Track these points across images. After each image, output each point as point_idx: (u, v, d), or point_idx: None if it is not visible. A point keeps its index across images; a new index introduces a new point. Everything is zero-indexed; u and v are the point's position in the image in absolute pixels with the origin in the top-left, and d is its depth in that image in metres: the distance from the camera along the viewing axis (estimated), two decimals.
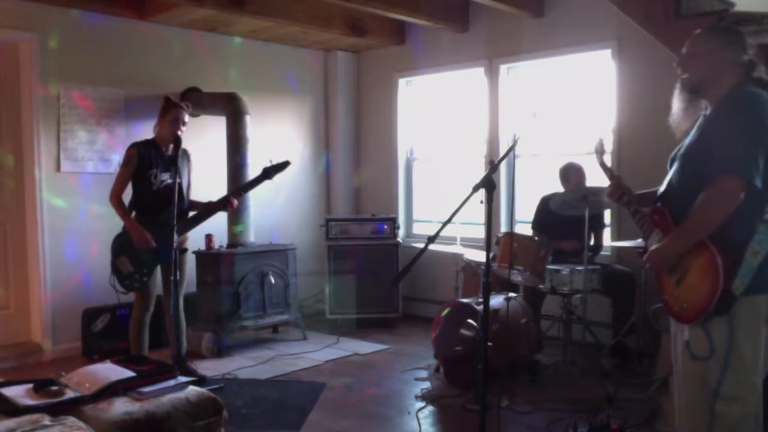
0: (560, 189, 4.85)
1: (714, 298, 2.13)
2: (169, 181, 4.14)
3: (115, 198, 4.06)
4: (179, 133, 4.13)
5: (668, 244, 2.30)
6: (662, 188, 2.44)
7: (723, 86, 2.27)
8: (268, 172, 4.23)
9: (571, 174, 4.79)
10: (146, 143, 4.20)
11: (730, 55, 2.28)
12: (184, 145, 4.20)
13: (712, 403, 2.20)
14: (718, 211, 2.15)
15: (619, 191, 2.61)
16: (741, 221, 2.15)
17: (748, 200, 2.13)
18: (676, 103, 2.39)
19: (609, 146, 2.71)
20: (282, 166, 4.25)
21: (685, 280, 2.25)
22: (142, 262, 4.06)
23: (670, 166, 2.42)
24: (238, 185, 4.91)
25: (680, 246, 2.25)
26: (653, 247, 2.37)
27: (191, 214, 4.28)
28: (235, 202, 4.30)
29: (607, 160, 2.82)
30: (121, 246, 4.09)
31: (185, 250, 4.27)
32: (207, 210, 4.24)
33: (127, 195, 4.18)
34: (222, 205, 4.25)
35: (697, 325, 2.21)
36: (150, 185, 4.12)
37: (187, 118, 4.22)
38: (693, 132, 2.33)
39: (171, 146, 4.19)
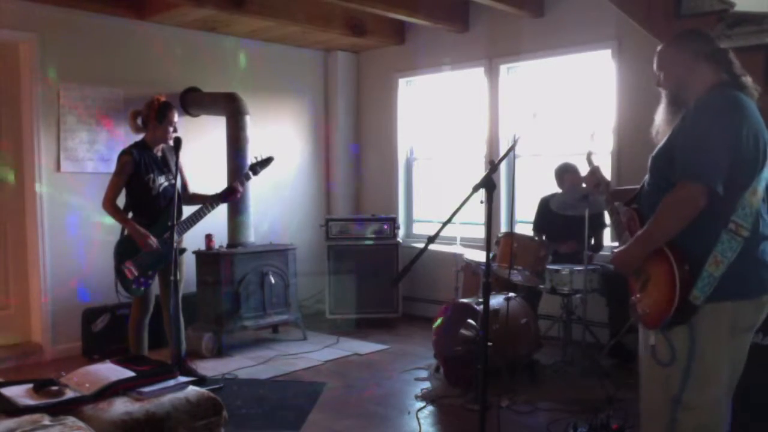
0: (558, 189, 4.87)
1: (671, 308, 2.10)
2: (166, 183, 4.14)
3: (110, 204, 4.03)
4: (177, 134, 4.12)
5: (629, 248, 2.29)
6: (639, 189, 2.44)
7: (697, 88, 2.26)
8: (254, 168, 4.34)
9: (565, 175, 4.81)
10: (138, 147, 4.14)
11: (691, 55, 2.27)
12: (185, 146, 4.17)
13: (673, 410, 2.18)
14: (678, 218, 2.12)
15: (594, 179, 2.64)
16: (703, 230, 2.11)
17: (711, 209, 2.09)
18: (660, 116, 2.38)
19: (599, 143, 2.72)
20: (266, 161, 4.36)
21: (647, 286, 2.24)
22: (146, 265, 4.06)
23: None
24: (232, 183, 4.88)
25: (640, 251, 2.24)
26: (617, 250, 2.37)
27: (189, 213, 4.26)
28: (240, 190, 4.31)
29: (596, 157, 2.83)
30: (125, 251, 4.06)
31: (184, 250, 4.27)
32: (210, 202, 4.22)
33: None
34: (223, 197, 4.26)
35: (659, 331, 2.20)
36: (149, 191, 4.10)
37: (176, 117, 4.23)
38: (666, 136, 2.32)
39: (161, 147, 4.19)
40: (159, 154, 4.20)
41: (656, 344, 2.21)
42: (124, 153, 4.11)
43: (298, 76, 6.58)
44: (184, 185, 4.32)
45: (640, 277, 2.29)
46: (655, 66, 2.40)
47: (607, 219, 5.03)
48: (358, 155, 6.92)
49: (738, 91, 2.20)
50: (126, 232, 4.07)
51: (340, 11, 5.68)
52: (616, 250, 2.38)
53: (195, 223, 4.22)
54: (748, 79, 2.25)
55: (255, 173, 4.38)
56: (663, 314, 2.14)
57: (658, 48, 2.41)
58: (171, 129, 4.14)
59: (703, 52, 2.27)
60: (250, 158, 4.43)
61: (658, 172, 2.27)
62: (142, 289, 4.09)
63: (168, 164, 4.17)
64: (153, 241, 3.99)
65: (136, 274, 4.05)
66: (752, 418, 2.45)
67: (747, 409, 2.36)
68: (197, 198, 4.32)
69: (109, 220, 4.30)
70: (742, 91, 2.21)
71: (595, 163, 2.74)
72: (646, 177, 2.38)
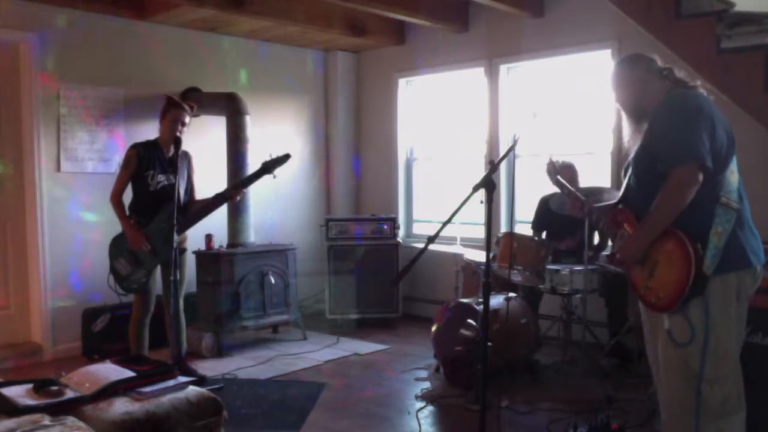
0: (557, 189, 4.85)
1: (689, 280, 2.24)
2: (166, 182, 4.14)
3: (115, 198, 4.08)
4: (178, 134, 4.12)
5: (638, 235, 2.44)
6: (621, 194, 2.62)
7: (653, 98, 2.49)
8: (268, 167, 4.12)
9: (562, 173, 4.77)
10: (147, 144, 4.20)
11: (642, 73, 2.53)
12: (185, 145, 4.18)
13: (697, 387, 2.31)
14: (680, 198, 2.29)
15: (578, 203, 2.78)
16: (700, 207, 2.29)
17: (703, 188, 2.29)
18: (626, 128, 2.61)
19: (559, 162, 2.96)
20: (282, 159, 4.13)
21: (657, 270, 2.37)
22: (140, 263, 4.07)
23: (625, 175, 2.61)
24: (238, 180, 4.85)
25: (649, 235, 2.38)
26: (622, 242, 2.51)
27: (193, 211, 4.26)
28: (237, 196, 4.26)
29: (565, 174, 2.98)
30: (118, 248, 4.10)
31: (184, 250, 4.26)
32: (208, 206, 4.22)
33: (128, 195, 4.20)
34: (222, 199, 4.23)
35: (676, 312, 2.32)
36: (147, 186, 4.11)
37: (187, 119, 4.19)
38: (638, 140, 2.52)
39: (172, 147, 4.19)
40: (169, 154, 4.19)
41: (672, 327, 2.34)
42: (130, 147, 4.18)
43: (298, 76, 6.58)
44: (192, 195, 4.33)
45: (645, 266, 2.41)
46: (611, 86, 2.62)
47: None
48: (358, 156, 6.92)
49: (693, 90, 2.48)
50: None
51: (340, 11, 5.68)
52: (621, 243, 2.52)
53: (195, 222, 4.22)
54: (697, 83, 2.52)
55: (269, 172, 4.11)
56: (680, 292, 2.27)
57: (611, 71, 2.63)
58: (172, 127, 4.12)
59: (653, 69, 2.54)
60: (264, 156, 4.16)
61: (644, 169, 2.46)
62: (135, 287, 4.10)
63: (174, 166, 4.12)
64: (141, 241, 4.01)
65: (128, 271, 4.07)
66: (753, 417, 2.47)
67: (747, 408, 2.39)
68: (199, 203, 4.31)
69: (108, 221, 4.31)
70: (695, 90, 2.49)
71: (566, 185, 2.89)
72: (628, 178, 2.56)
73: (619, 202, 2.61)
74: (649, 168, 2.40)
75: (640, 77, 2.53)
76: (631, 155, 2.56)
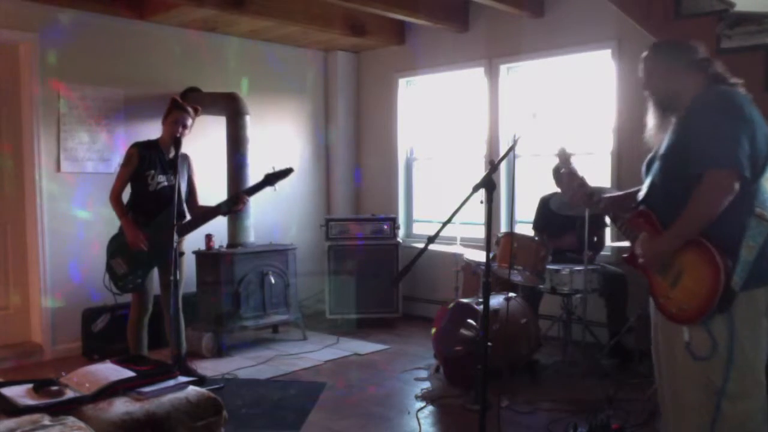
0: (557, 189, 4.85)
1: (716, 297, 2.12)
2: (166, 183, 4.13)
3: (114, 197, 4.07)
4: (178, 135, 4.11)
5: (664, 240, 2.28)
6: (643, 192, 2.45)
7: (688, 91, 2.33)
8: (270, 179, 4.14)
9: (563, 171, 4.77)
10: (148, 144, 4.19)
11: (681, 62, 2.36)
12: (184, 146, 4.18)
13: (717, 402, 2.19)
14: (713, 205, 2.14)
15: (584, 191, 2.62)
16: (733, 217, 2.15)
17: (737, 196, 2.14)
18: (651, 120, 2.44)
19: (573, 152, 2.69)
20: (284, 173, 4.15)
21: (681, 280, 2.23)
22: (137, 263, 4.06)
23: (646, 173, 2.45)
24: (240, 189, 4.83)
25: (675, 242, 2.24)
26: (647, 244, 2.34)
27: (189, 218, 4.25)
28: (242, 205, 4.24)
29: (575, 165, 2.77)
30: (117, 247, 4.10)
31: (182, 253, 4.23)
32: (207, 214, 4.22)
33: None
34: (225, 212, 4.21)
35: (697, 325, 2.19)
36: (146, 186, 4.11)
37: (189, 121, 4.18)
38: (668, 135, 2.36)
39: (172, 148, 4.18)
40: (170, 156, 4.19)
41: (693, 339, 2.21)
42: (131, 146, 4.18)
43: (298, 76, 6.58)
44: (193, 198, 4.32)
45: (668, 274, 2.28)
46: (642, 71, 2.46)
47: (607, 219, 5.03)
48: (359, 168, 6.93)
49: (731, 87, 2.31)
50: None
51: (340, 11, 5.68)
52: (645, 246, 2.35)
53: (198, 226, 4.22)
54: (737, 80, 2.34)
55: (270, 184, 4.12)
56: (705, 307, 2.15)
57: (644, 54, 2.46)
58: (172, 128, 4.12)
59: (692, 61, 2.36)
60: (265, 162, 4.16)
61: (673, 168, 2.29)
62: (131, 286, 4.10)
63: (175, 167, 4.11)
64: (141, 240, 4.00)
65: (125, 270, 4.08)
66: None
67: None
68: (201, 209, 4.30)
69: (108, 221, 4.31)
70: (735, 88, 2.31)
71: (576, 173, 2.69)
72: (653, 176, 2.39)
73: (642, 201, 2.44)
74: (679, 166, 2.25)
75: (678, 67, 2.35)
76: (658, 150, 2.39)
